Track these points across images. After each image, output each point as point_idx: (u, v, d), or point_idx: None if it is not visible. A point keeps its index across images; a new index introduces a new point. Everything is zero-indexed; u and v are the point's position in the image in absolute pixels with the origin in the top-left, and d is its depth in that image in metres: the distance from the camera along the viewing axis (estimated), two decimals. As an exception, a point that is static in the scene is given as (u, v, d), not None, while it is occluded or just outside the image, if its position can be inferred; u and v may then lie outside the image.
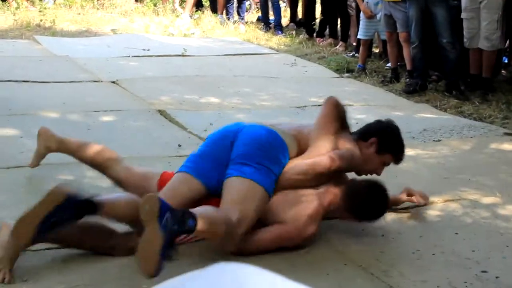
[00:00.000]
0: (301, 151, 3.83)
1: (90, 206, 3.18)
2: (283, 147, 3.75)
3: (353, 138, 3.94)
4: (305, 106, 6.93)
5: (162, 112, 6.31)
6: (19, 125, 5.21)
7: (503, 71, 9.10)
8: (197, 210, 3.27)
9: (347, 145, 3.81)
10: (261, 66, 9.14)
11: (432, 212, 4.24)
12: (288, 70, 8.99)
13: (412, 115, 6.77)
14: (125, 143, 5.22)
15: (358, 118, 6.32)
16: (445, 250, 3.73)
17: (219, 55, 9.76)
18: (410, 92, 7.90)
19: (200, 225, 3.16)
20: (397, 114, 6.77)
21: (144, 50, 9.62)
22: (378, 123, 4.11)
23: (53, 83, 7.20)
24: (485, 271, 3.49)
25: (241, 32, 12.23)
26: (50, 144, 4.23)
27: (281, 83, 8.09)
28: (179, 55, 9.46)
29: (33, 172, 4.48)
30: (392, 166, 4.85)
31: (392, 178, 4.63)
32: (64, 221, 3.06)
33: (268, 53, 10.36)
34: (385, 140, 3.94)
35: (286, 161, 3.75)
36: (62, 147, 4.19)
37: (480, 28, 7.67)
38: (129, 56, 9.18)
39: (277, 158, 3.70)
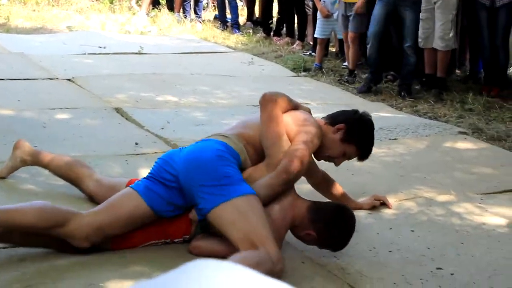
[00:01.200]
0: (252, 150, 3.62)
1: None
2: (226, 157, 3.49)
3: (321, 119, 3.82)
4: (262, 105, 6.92)
5: (118, 110, 6.26)
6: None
7: (457, 71, 9.23)
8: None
9: (306, 128, 3.61)
10: (218, 65, 9.12)
11: (388, 210, 4.28)
12: (245, 69, 8.99)
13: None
14: (81, 141, 5.17)
15: (315, 116, 6.35)
16: (401, 247, 3.76)
17: (176, 53, 9.72)
18: (364, 91, 7.97)
19: None
20: (354, 113, 6.82)
21: (100, 47, 9.53)
22: (353, 112, 3.93)
23: (8, 80, 7.10)
24: (440, 268, 3.54)
25: (198, 31, 12.20)
26: (26, 158, 4.16)
27: (238, 82, 8.09)
28: (136, 53, 9.40)
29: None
30: (348, 164, 4.89)
31: (348, 176, 4.68)
32: None
33: (225, 52, 10.36)
34: (354, 129, 3.75)
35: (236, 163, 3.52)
36: (37, 160, 4.13)
37: (435, 28, 7.77)
38: (85, 54, 9.09)
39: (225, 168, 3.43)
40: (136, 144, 5.21)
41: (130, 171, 4.61)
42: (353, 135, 3.76)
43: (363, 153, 3.89)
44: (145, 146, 5.20)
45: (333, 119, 3.82)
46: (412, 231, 4.00)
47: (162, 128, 5.74)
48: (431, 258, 3.65)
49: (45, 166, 4.14)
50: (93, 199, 3.94)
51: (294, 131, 3.60)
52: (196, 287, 0.58)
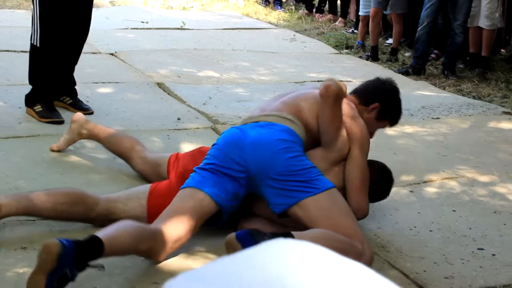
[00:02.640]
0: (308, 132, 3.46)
1: (91, 252, 2.74)
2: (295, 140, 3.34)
3: (355, 101, 3.70)
4: (304, 82, 6.91)
5: (161, 85, 6.29)
6: (17, 96, 5.18)
7: (502, 50, 9.09)
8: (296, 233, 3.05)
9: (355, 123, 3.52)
10: (260, 41, 9.10)
11: (429, 189, 4.25)
12: (287, 45, 8.96)
13: (411, 93, 6.75)
14: (123, 116, 5.21)
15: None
16: (442, 227, 3.74)
17: (217, 29, 9.72)
18: (405, 73, 7.84)
19: None
20: (396, 91, 6.77)
21: (142, 22, 9.57)
22: (380, 83, 3.81)
23: (52, 54, 7.16)
24: (481, 249, 3.51)
25: (240, 7, 12.18)
26: (82, 131, 4.19)
27: (280, 58, 8.07)
28: (178, 28, 9.43)
29: (30, 143, 4.49)
30: (390, 143, 4.87)
31: (390, 155, 4.66)
32: (70, 277, 2.66)
33: (267, 28, 10.33)
34: (388, 106, 3.73)
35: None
36: (93, 134, 4.16)
37: (481, 6, 7.64)
38: (127, 28, 9.14)
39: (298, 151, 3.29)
40: (178, 119, 5.24)
41: (172, 146, 4.64)
42: (388, 111, 3.75)
43: (395, 123, 3.88)
44: (187, 121, 5.22)
45: (365, 98, 3.72)
46: (454, 211, 3.97)
47: (204, 104, 5.75)
48: (472, 239, 3.62)
49: (99, 140, 4.17)
50: (142, 176, 3.98)
51: (347, 124, 3.50)
52: (278, 264, 0.58)
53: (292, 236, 2.92)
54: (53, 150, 4.32)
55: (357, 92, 3.78)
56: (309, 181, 3.17)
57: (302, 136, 3.38)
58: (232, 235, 2.94)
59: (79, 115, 4.28)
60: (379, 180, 3.61)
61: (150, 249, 2.95)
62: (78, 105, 5.19)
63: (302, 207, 3.14)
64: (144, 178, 3.95)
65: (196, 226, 3.12)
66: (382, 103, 3.71)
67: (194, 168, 3.31)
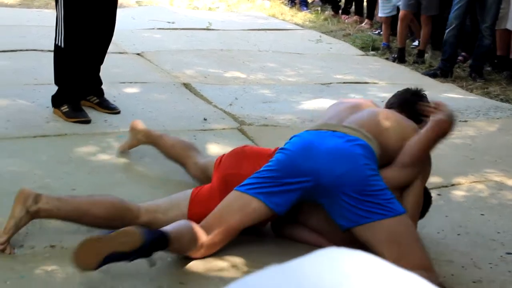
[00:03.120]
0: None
1: (161, 243, 2.83)
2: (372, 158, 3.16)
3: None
4: (330, 83, 6.89)
5: (187, 86, 6.29)
6: (45, 95, 5.21)
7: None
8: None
9: None
10: (285, 42, 9.09)
11: (457, 193, 4.22)
12: (313, 47, 8.94)
13: (438, 95, 6.70)
14: (150, 116, 5.22)
15: (383, 96, 6.29)
16: (470, 230, 3.71)
17: (243, 30, 9.72)
18: (433, 76, 7.79)
19: None
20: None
21: (169, 22, 9.60)
22: (418, 99, 3.58)
23: (79, 53, 7.20)
24: (510, 253, 3.47)
25: (266, 7, 12.18)
26: (140, 138, 4.25)
27: (306, 60, 8.05)
28: (204, 29, 9.44)
29: (58, 142, 4.51)
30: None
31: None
32: (133, 258, 2.76)
33: (293, 29, 10.31)
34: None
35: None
36: (150, 140, 4.20)
37: (510, 8, 7.58)
38: (153, 29, 9.17)
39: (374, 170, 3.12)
40: (205, 119, 5.24)
41: (198, 146, 4.63)
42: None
43: None
44: (213, 122, 5.22)
45: (414, 115, 3.47)
46: (482, 214, 3.93)
47: (230, 105, 5.75)
48: (501, 243, 3.58)
49: (157, 146, 4.17)
50: (196, 180, 3.90)
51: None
52: (332, 273, 0.57)
53: None
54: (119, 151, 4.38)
55: (393, 106, 3.59)
56: (383, 204, 2.99)
57: (378, 156, 3.17)
58: None
59: (136, 122, 4.35)
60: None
61: (192, 252, 3.01)
62: (105, 105, 5.21)
63: (372, 229, 2.98)
64: (200, 183, 3.80)
65: (239, 231, 3.14)
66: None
67: (255, 174, 3.16)
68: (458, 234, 3.65)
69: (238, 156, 3.48)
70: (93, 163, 4.23)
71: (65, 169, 4.10)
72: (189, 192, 3.38)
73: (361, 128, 3.20)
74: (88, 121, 4.88)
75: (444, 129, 3.21)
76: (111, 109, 5.18)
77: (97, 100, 5.23)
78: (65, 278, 2.86)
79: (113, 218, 3.18)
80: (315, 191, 3.08)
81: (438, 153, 4.86)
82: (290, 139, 3.30)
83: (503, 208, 4.03)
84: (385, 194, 3.02)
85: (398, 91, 3.75)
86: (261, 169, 3.16)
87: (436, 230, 3.67)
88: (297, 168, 3.07)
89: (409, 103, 3.55)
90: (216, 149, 4.60)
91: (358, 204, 2.98)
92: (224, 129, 5.11)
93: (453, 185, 4.33)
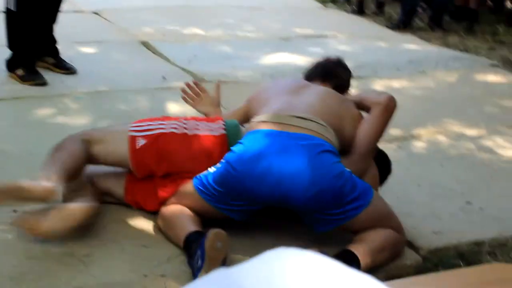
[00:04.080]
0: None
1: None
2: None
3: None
4: (289, 38, 6.86)
5: (145, 44, 6.21)
6: (-1, 57, 5.10)
7: (489, 2, 9.03)
8: (355, 246, 2.82)
9: None
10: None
11: (417, 144, 4.25)
12: (271, 1, 8.86)
13: (398, 47, 6.72)
14: (108, 76, 5.15)
15: (342, 50, 6.29)
16: (430, 182, 3.74)
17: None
18: (393, 27, 7.76)
19: (364, 264, 2.76)
20: (383, 46, 6.74)
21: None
22: (340, 69, 3.55)
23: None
24: (469, 202, 3.51)
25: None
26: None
27: (265, 14, 7.98)
28: (161, -15, 9.29)
29: (14, 105, 4.45)
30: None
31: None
32: None
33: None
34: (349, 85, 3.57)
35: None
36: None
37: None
38: (110, -14, 9.00)
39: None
40: (164, 78, 5.19)
41: (157, 105, 4.60)
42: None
43: None
44: (172, 80, 5.16)
45: (340, 86, 3.43)
46: (441, 165, 3.97)
47: (189, 62, 5.70)
48: (460, 193, 3.62)
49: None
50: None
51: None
52: (279, 279, 0.55)
53: (353, 254, 2.78)
54: None
55: (333, 84, 3.44)
56: (356, 198, 2.83)
57: (337, 146, 2.99)
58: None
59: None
60: (379, 163, 3.31)
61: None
62: (61, 65, 5.12)
63: (350, 223, 2.87)
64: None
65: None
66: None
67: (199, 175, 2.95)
68: (419, 185, 3.69)
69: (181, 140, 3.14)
70: (51, 126, 4.17)
71: (23, 133, 4.03)
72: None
73: (315, 117, 2.98)
74: (44, 83, 4.80)
75: (392, 110, 3.17)
76: (68, 69, 5.10)
77: (53, 61, 5.13)
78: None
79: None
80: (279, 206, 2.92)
81: (398, 105, 4.89)
82: (242, 140, 2.93)
83: (462, 159, 4.08)
84: (354, 187, 2.83)
85: (318, 61, 3.60)
86: (210, 177, 2.90)
87: (396, 182, 3.69)
88: (251, 193, 2.81)
89: (331, 74, 3.47)
90: (175, 108, 4.57)
91: (333, 216, 2.83)
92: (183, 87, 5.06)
93: (413, 137, 4.36)
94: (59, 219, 2.78)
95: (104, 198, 3.16)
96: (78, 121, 4.23)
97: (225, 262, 2.66)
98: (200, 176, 2.95)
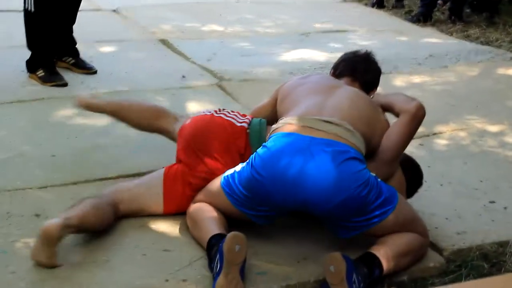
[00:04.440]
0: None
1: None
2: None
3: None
4: (309, 33, 6.82)
5: (164, 42, 6.21)
6: (20, 58, 5.10)
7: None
8: (378, 249, 2.77)
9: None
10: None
11: (439, 141, 4.21)
12: (290, -5, 8.83)
13: (418, 41, 6.67)
14: (128, 75, 5.15)
15: (363, 44, 6.24)
16: (453, 180, 3.70)
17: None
18: (413, 21, 7.70)
19: (386, 268, 2.74)
20: (403, 40, 6.69)
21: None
22: (376, 64, 3.47)
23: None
24: (493, 202, 3.47)
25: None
26: (101, 111, 3.72)
27: (284, 9, 7.95)
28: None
29: (35, 107, 4.46)
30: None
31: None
32: None
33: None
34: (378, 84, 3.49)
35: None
36: (109, 113, 3.67)
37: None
38: (128, -17, 9.00)
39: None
40: (183, 77, 5.18)
41: (177, 104, 4.58)
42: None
43: None
44: (192, 79, 5.16)
45: (368, 84, 3.38)
46: (465, 163, 3.92)
47: (209, 60, 5.68)
48: (483, 192, 3.58)
49: (118, 118, 3.69)
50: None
51: None
52: None
53: (375, 257, 2.76)
54: None
55: (361, 81, 3.38)
56: (382, 205, 2.78)
57: (363, 151, 2.91)
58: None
59: (81, 99, 3.70)
60: (410, 175, 3.30)
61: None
62: (81, 65, 5.13)
63: (374, 230, 2.82)
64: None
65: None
66: (377, 84, 3.48)
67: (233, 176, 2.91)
68: (441, 185, 3.65)
69: (200, 129, 3.23)
70: (71, 127, 4.17)
71: (44, 134, 4.04)
72: (161, 171, 3.19)
73: (343, 122, 2.87)
74: (65, 84, 4.81)
75: (420, 119, 3.13)
76: (88, 69, 5.11)
77: (73, 61, 5.14)
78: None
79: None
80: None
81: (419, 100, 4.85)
82: (267, 143, 2.87)
83: (485, 156, 4.03)
84: (380, 194, 2.77)
85: (346, 55, 3.51)
86: (237, 179, 2.87)
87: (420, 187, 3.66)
88: (275, 199, 2.76)
89: (360, 70, 3.38)
90: (195, 107, 4.56)
91: (356, 223, 2.79)
92: (203, 85, 5.06)
93: (434, 134, 4.31)
94: (38, 249, 2.73)
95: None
96: (98, 122, 4.22)
97: (244, 265, 2.65)
98: (227, 177, 2.93)
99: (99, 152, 3.81)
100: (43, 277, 2.66)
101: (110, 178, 3.53)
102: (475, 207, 3.40)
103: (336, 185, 2.68)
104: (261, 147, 2.88)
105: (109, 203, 3.01)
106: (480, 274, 2.87)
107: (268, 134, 2.99)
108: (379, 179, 2.84)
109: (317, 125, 2.85)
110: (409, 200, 3.11)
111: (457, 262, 2.96)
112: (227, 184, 2.92)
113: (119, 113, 3.61)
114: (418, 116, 3.12)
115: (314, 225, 3.04)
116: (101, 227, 2.95)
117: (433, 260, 2.93)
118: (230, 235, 2.63)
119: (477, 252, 3.01)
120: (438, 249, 3.02)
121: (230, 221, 2.95)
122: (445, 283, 2.78)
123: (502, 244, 3.07)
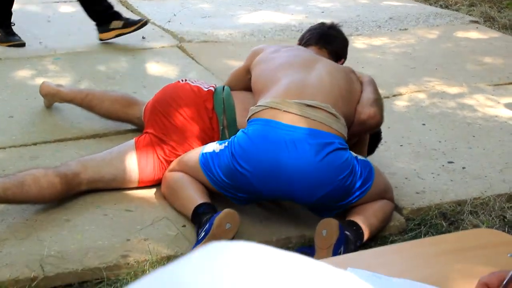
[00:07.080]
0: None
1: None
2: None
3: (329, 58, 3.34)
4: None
5: (123, 3, 6.13)
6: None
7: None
8: (358, 218, 2.80)
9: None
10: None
11: (399, 103, 4.24)
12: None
13: (378, 3, 6.68)
14: (86, 36, 5.08)
15: (323, 7, 6.24)
16: (412, 141, 3.74)
17: None
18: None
19: (366, 237, 2.78)
20: (363, 2, 6.69)
21: None
22: (343, 37, 3.53)
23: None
24: (451, 162, 3.52)
25: None
26: (55, 100, 3.75)
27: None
28: None
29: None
30: (357, 57, 4.84)
31: (359, 69, 4.60)
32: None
33: None
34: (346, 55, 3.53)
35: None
36: (73, 103, 3.66)
37: None
38: None
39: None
40: (143, 38, 5.12)
41: (138, 66, 4.55)
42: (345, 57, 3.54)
43: None
44: (152, 40, 5.11)
45: (336, 54, 3.42)
46: (423, 124, 3.96)
47: (169, 21, 5.63)
48: (442, 152, 3.63)
49: (83, 106, 3.65)
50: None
51: None
52: (224, 272, 0.54)
53: (361, 231, 2.79)
54: None
55: (329, 49, 3.41)
56: (362, 185, 2.83)
57: (346, 136, 2.92)
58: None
59: (44, 87, 3.73)
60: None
61: None
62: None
63: (353, 204, 2.86)
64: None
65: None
66: (345, 57, 3.52)
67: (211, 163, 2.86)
68: (401, 145, 3.69)
69: (167, 93, 3.24)
70: (30, 88, 4.11)
71: (1, 96, 3.99)
72: (132, 141, 3.14)
73: (326, 105, 2.85)
74: (22, 44, 4.74)
75: (371, 128, 3.13)
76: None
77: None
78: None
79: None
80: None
81: (379, 63, 4.89)
82: (247, 129, 2.81)
83: (443, 117, 4.07)
84: (360, 176, 2.81)
85: (312, 26, 3.56)
86: (216, 164, 2.83)
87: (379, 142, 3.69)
88: (258, 191, 2.75)
89: (327, 39, 3.41)
90: (156, 68, 4.53)
91: (338, 204, 2.82)
92: (163, 47, 5.02)
93: (394, 95, 4.35)
94: None
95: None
96: (58, 82, 4.17)
97: None
98: (206, 155, 2.87)
99: (58, 113, 3.77)
100: (3, 237, 2.64)
101: (69, 139, 3.51)
102: (434, 167, 3.45)
103: (321, 180, 2.71)
104: (241, 132, 2.83)
105: (58, 175, 2.85)
106: (439, 232, 2.93)
107: (247, 116, 2.93)
108: (359, 158, 2.87)
109: (300, 111, 2.81)
110: (369, 158, 3.14)
111: (417, 221, 3.01)
112: (205, 163, 2.87)
113: (90, 103, 3.58)
114: (368, 123, 3.06)
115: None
116: (36, 200, 2.82)
117: (393, 219, 2.98)
118: (226, 211, 2.62)
119: (436, 211, 3.06)
120: (398, 208, 3.07)
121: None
122: (404, 241, 2.82)
123: (460, 203, 3.13)
